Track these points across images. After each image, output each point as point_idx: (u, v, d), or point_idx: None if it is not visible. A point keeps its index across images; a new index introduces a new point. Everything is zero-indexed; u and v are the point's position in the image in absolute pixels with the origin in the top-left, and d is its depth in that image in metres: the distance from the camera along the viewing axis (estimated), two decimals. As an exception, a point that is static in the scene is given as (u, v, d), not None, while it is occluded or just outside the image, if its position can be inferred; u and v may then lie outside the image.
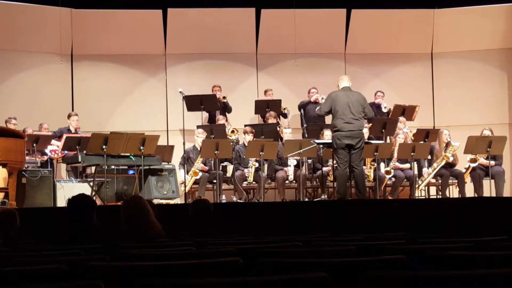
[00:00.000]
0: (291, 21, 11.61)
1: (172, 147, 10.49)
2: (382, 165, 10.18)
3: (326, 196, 9.51)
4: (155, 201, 8.21)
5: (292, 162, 9.82)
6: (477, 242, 3.85)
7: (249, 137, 9.98)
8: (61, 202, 8.61)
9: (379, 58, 12.30)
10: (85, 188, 8.71)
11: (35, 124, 10.54)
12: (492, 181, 9.69)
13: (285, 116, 11.30)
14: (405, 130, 10.53)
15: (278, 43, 12.02)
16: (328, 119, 9.92)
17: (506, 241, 4.09)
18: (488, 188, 9.65)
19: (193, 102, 10.41)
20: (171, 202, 9.40)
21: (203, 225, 5.21)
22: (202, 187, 9.68)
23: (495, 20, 12.11)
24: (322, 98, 10.22)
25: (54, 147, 9.71)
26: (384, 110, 11.24)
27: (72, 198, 4.86)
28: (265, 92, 11.58)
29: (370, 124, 10.31)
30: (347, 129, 8.37)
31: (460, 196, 9.78)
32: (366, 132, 9.99)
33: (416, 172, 10.08)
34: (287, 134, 10.35)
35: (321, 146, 9.28)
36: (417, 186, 9.95)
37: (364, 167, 9.64)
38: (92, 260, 3.09)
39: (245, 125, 10.53)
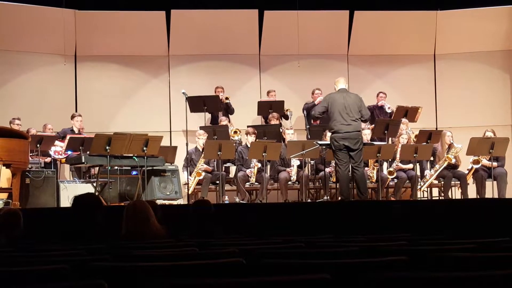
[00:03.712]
0: (294, 22, 11.61)
1: (175, 148, 10.49)
2: (384, 166, 10.18)
3: (328, 197, 9.51)
4: (158, 202, 8.22)
5: (295, 163, 9.83)
6: (479, 244, 3.85)
7: (252, 138, 9.99)
8: (65, 202, 8.62)
9: (381, 60, 12.30)
10: (88, 189, 8.71)
11: (39, 124, 10.55)
12: (495, 182, 9.69)
13: (286, 117, 11.29)
14: (407, 131, 10.53)
15: (281, 44, 12.03)
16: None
17: (509, 243, 4.09)
18: (491, 190, 9.64)
19: (196, 103, 10.43)
20: (174, 202, 9.41)
21: (204, 225, 5.21)
22: (205, 187, 9.70)
23: (497, 22, 12.11)
24: None
25: (58, 148, 9.73)
26: (388, 111, 11.21)
27: (78, 197, 4.81)
28: (268, 93, 11.57)
29: (373, 125, 10.32)
30: (344, 131, 8.38)
31: (462, 198, 9.78)
32: (369, 133, 10.00)
33: (418, 173, 10.08)
34: (290, 135, 10.35)
35: (324, 147, 9.28)
36: (419, 187, 9.95)
37: (366, 168, 9.66)
38: (95, 261, 3.09)
39: (248, 126, 10.54)
